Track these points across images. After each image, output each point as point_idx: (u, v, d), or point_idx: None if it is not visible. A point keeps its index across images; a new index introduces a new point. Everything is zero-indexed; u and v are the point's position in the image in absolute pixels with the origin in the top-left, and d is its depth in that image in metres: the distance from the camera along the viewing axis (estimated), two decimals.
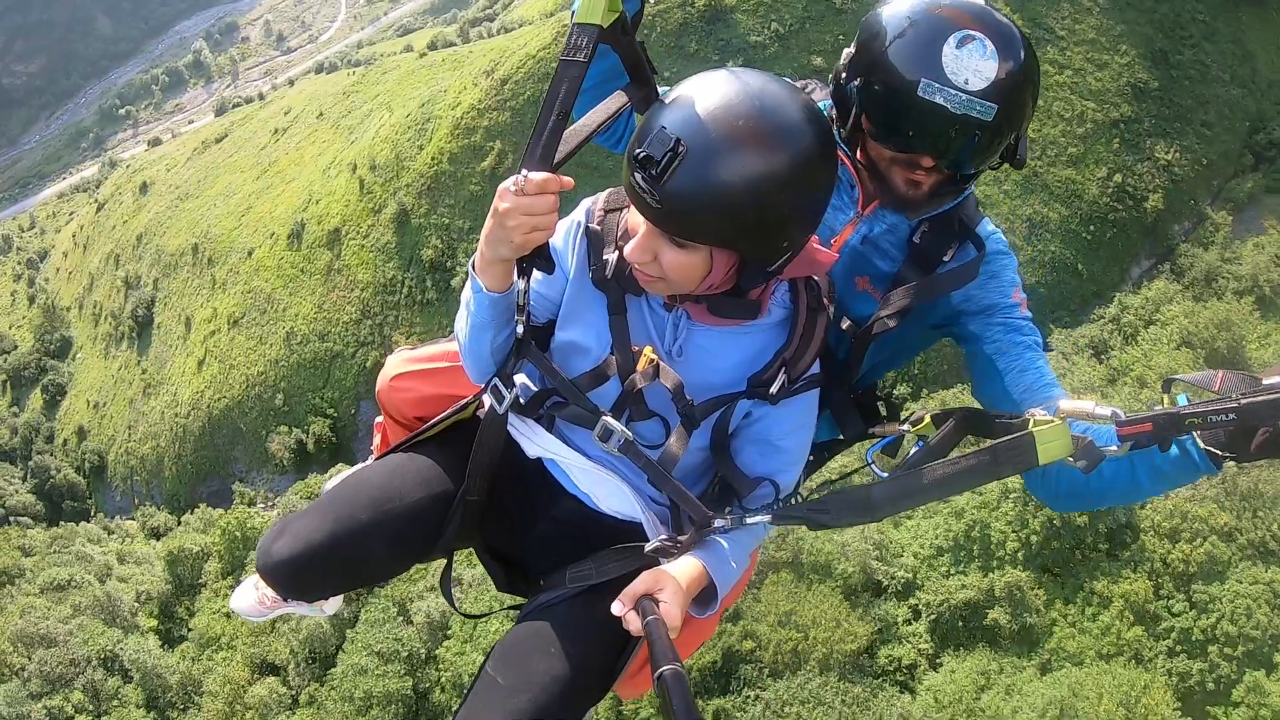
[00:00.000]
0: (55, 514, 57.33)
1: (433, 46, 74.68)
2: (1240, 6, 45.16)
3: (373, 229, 50.14)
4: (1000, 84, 1.68)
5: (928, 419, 1.90)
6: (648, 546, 1.89)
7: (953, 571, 22.47)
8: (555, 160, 1.66)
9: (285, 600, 2.29)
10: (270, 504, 43.06)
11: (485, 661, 1.93)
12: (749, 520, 1.83)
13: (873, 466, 1.99)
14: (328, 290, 50.79)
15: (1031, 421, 1.62)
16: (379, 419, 2.72)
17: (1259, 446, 1.54)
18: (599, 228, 1.89)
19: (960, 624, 21.36)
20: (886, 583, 23.46)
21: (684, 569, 1.76)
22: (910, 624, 21.99)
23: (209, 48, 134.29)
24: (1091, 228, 38.07)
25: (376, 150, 52.98)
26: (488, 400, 1.98)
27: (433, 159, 48.75)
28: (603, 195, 1.94)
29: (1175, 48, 43.34)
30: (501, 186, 1.61)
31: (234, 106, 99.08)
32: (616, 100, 1.93)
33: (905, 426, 1.93)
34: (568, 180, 1.64)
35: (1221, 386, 1.54)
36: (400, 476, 2.03)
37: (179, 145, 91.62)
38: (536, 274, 1.78)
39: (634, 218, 1.69)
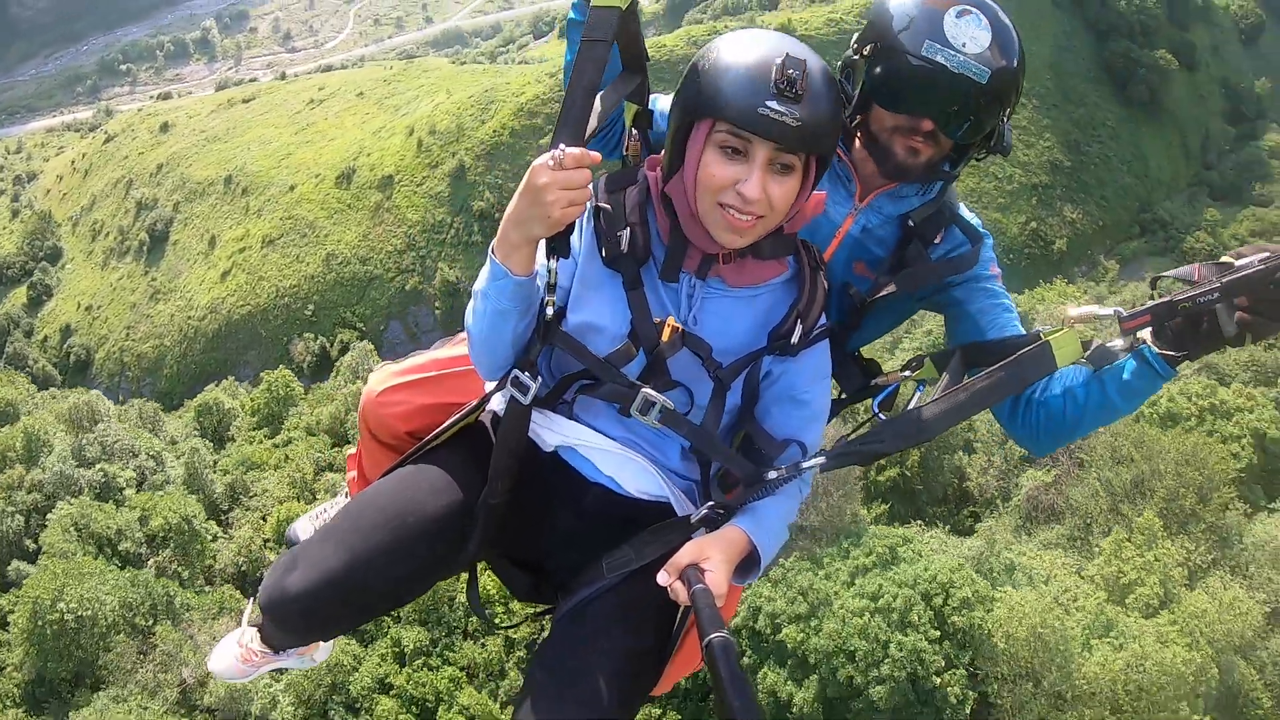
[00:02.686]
0: None
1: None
2: (1140, 122, 62.10)
3: (427, 179, 59.00)
4: (992, 53, 1.90)
5: (928, 362, 2.10)
6: (694, 516, 1.94)
7: None
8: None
9: (277, 652, 2.31)
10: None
11: (532, 668, 1.93)
12: (805, 465, 1.90)
13: (880, 416, 2.13)
14: (374, 224, 58.73)
15: (1044, 333, 1.92)
16: (350, 450, 2.70)
17: (1202, 340, 1.82)
18: (609, 206, 1.90)
19: None
20: None
21: (727, 537, 1.82)
22: None
23: (218, 28, 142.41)
24: (1010, 256, 51.48)
25: (437, 119, 62.37)
26: (498, 399, 2.02)
27: (494, 131, 58.66)
28: (601, 179, 1.95)
29: (1087, 140, 60.01)
30: (536, 163, 1.66)
31: (236, 85, 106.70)
32: (616, 92, 2.07)
33: (906, 373, 2.11)
34: (596, 155, 1.72)
35: (1200, 275, 1.81)
36: (414, 489, 1.98)
37: (198, 101, 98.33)
38: (555, 264, 1.81)
39: (729, 168, 1.72)
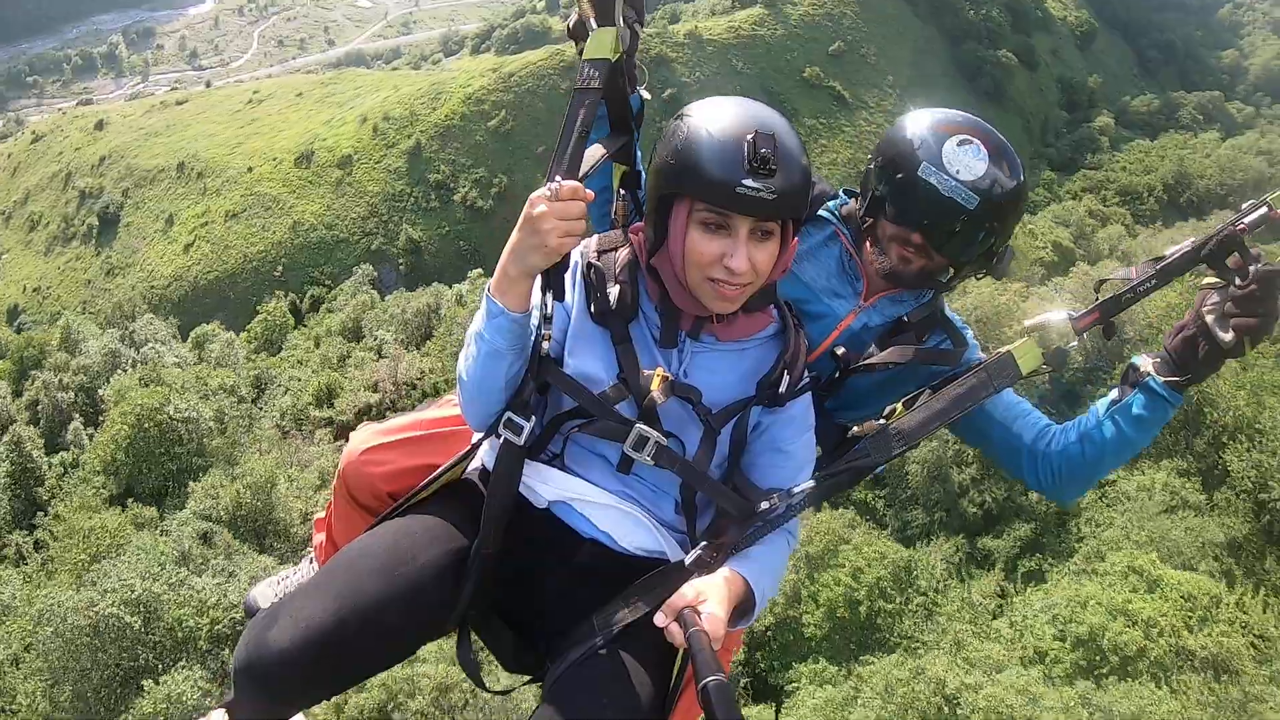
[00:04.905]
0: None
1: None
2: (988, 108, 78.54)
3: (385, 157, 68.76)
4: (985, 183, 2.13)
5: (899, 407, 2.21)
6: (688, 560, 1.99)
7: None
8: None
9: None
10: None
11: None
12: (796, 490, 2.05)
13: None
14: (337, 196, 67.86)
15: (1008, 347, 2.15)
16: (319, 515, 2.76)
17: (1203, 360, 2.04)
18: (600, 264, 2.05)
19: None
20: None
21: (723, 579, 1.87)
22: None
23: (125, 44, 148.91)
24: None
25: (389, 108, 72.46)
26: (487, 450, 2.14)
27: (445, 116, 69.44)
28: (593, 240, 2.13)
29: None
30: (533, 196, 1.79)
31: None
32: (604, 149, 2.23)
33: (880, 421, 2.20)
34: (590, 192, 1.87)
35: (1138, 272, 2.11)
36: (407, 536, 2.01)
37: (129, 105, 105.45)
38: (549, 299, 1.93)
39: (713, 244, 1.86)
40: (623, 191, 2.37)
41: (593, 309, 2.03)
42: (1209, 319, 2.04)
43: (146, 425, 32.30)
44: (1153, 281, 2.09)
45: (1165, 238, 43.50)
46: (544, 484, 2.07)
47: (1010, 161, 2.21)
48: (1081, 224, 47.92)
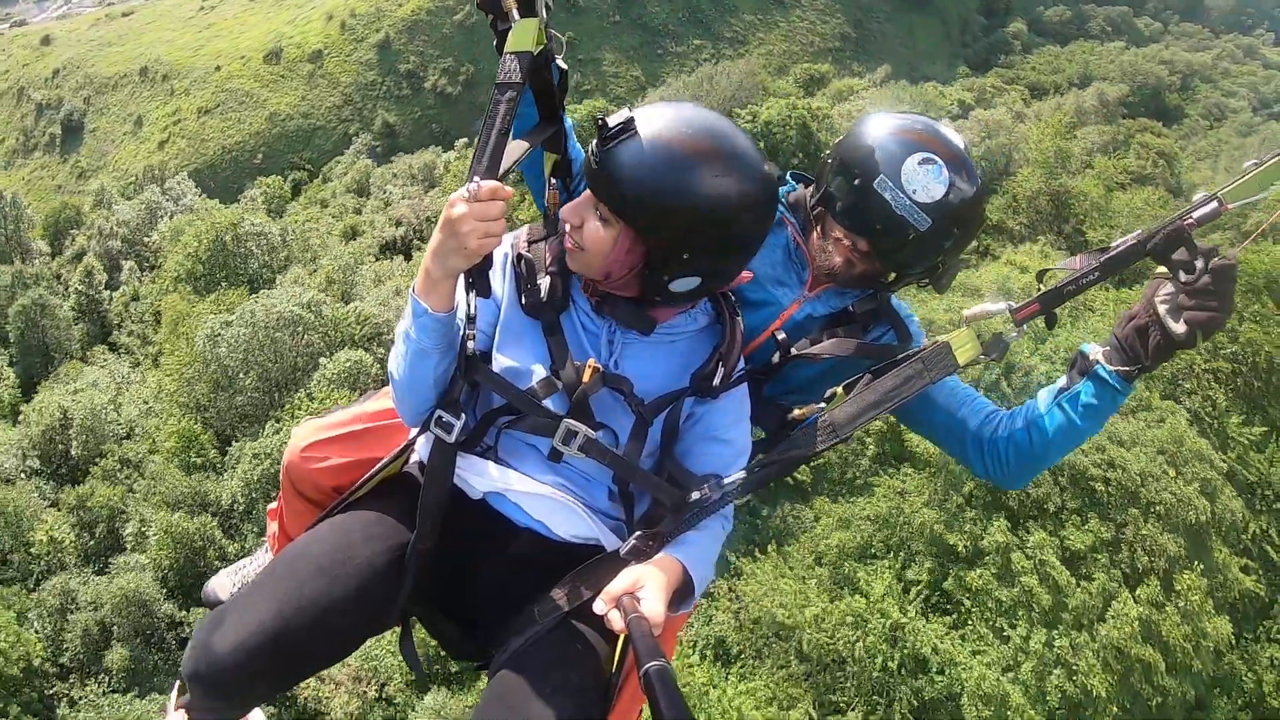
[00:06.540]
0: None
1: None
2: (911, 10, 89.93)
3: (355, 50, 74.87)
4: (940, 206, 2.15)
5: (840, 391, 2.28)
6: (623, 549, 2.08)
7: None
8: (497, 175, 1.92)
9: None
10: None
11: None
12: (727, 480, 2.13)
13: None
14: (310, 88, 73.80)
15: (945, 336, 2.19)
16: (271, 505, 2.84)
17: (1154, 350, 2.06)
18: (530, 255, 2.15)
19: None
20: None
21: (660, 565, 1.97)
22: None
23: None
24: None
25: (354, 5, 78.07)
26: (423, 444, 2.22)
27: (412, 11, 76.08)
28: (523, 230, 2.21)
29: (868, 21, 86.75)
30: (451, 197, 1.83)
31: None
32: (531, 140, 2.27)
33: (821, 405, 2.29)
34: (509, 190, 1.88)
35: (1082, 262, 2.10)
36: (345, 534, 2.11)
37: (71, 21, 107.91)
38: (473, 298, 2.01)
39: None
40: (554, 180, 2.35)
41: (524, 300, 2.12)
42: (1161, 309, 2.04)
43: (227, 238, 39.31)
44: (1096, 274, 2.09)
45: (1051, 104, 54.25)
46: (478, 476, 2.17)
47: (970, 182, 2.22)
48: (982, 90, 58.79)
